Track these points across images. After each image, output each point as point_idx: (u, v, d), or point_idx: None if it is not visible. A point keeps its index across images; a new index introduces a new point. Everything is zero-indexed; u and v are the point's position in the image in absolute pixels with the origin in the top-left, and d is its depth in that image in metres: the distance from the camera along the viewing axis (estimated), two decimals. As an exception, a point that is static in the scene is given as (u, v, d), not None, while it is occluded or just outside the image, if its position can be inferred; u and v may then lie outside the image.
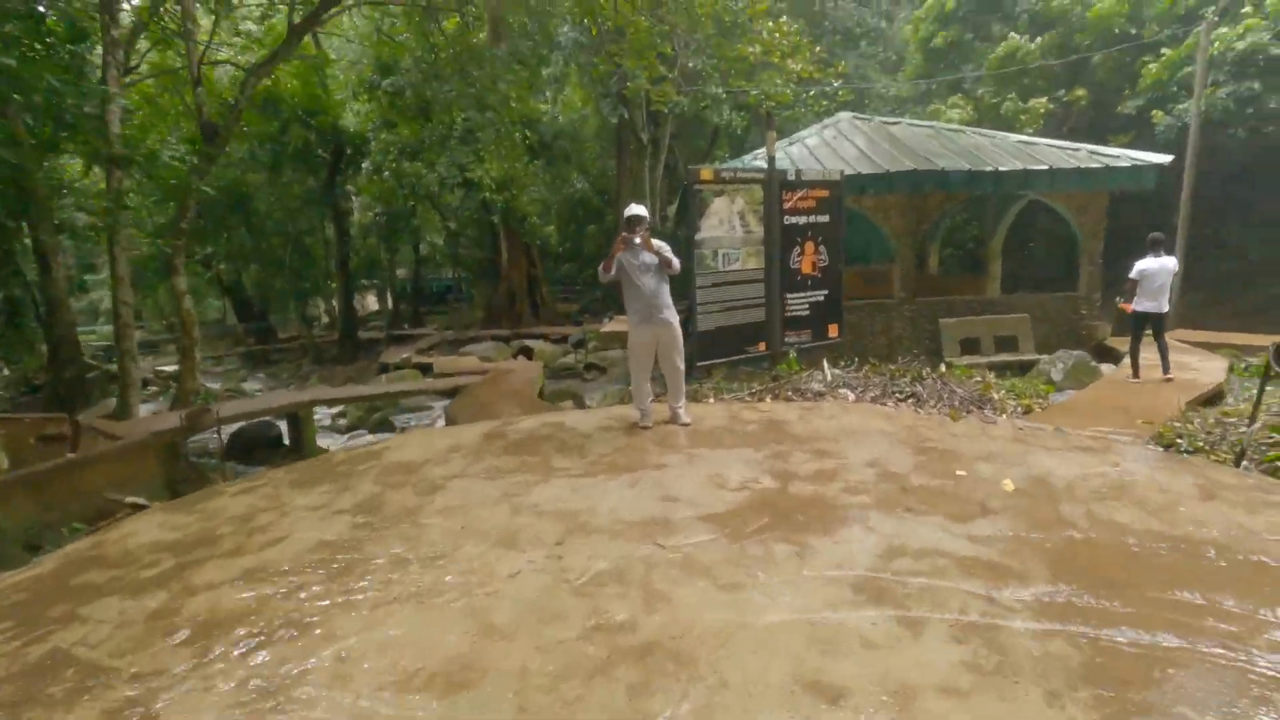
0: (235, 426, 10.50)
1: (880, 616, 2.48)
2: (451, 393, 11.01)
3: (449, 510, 3.73)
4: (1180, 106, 12.89)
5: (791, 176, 7.46)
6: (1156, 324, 8.17)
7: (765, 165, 7.27)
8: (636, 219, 5.07)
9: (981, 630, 2.38)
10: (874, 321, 11.30)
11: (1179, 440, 5.40)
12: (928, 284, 12.80)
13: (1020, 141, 11.66)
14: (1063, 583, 2.68)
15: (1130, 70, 14.45)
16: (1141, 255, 8.09)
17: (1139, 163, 10.35)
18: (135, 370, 11.42)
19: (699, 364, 7.08)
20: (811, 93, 15.58)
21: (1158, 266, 8.03)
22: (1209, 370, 8.76)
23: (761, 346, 7.49)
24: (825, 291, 7.93)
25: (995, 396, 7.11)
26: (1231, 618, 2.42)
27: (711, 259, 7.00)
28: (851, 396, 6.45)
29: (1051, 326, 11.33)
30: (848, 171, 10.21)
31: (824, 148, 11.60)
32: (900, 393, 6.69)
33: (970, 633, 2.36)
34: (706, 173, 6.87)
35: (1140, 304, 8.09)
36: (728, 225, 7.07)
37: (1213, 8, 12.54)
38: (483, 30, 20.85)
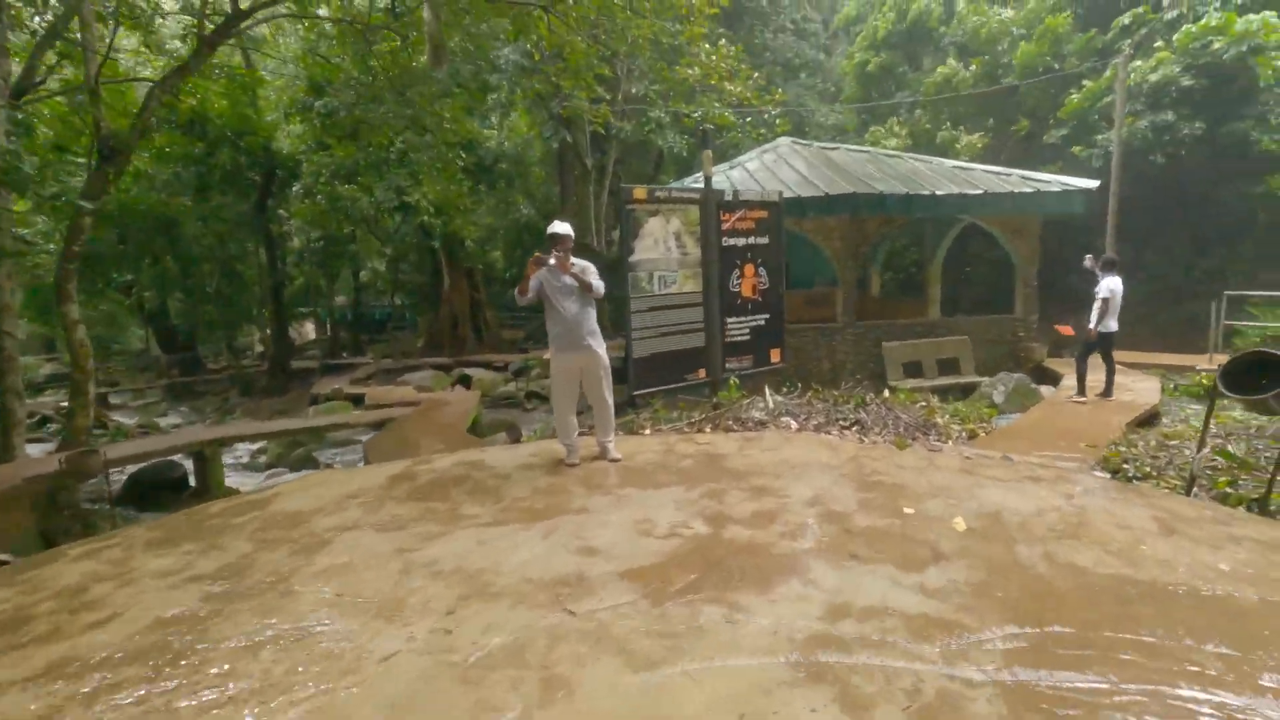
0: (135, 467, 9.56)
1: (821, 701, 2.06)
2: (380, 425, 10.31)
3: (329, 572, 3.18)
4: (1102, 136, 13.36)
5: (729, 197, 7.20)
6: (1110, 344, 8.19)
7: (702, 187, 6.99)
8: (555, 237, 4.67)
9: (939, 714, 1.98)
10: (817, 346, 11.13)
11: (1125, 465, 5.24)
12: (870, 307, 12.79)
13: (956, 167, 11.82)
14: (1027, 644, 2.33)
15: (1058, 100, 15.00)
16: (1088, 277, 8.15)
17: (1068, 187, 10.55)
18: (20, 407, 10.32)
19: (635, 393, 6.67)
20: (749, 119, 15.62)
21: (1120, 287, 8.11)
22: (1143, 391, 8.83)
23: (701, 373, 7.14)
24: (766, 315, 7.67)
25: (940, 422, 6.91)
26: (1227, 672, 2.10)
27: (647, 282, 6.64)
28: (794, 425, 6.13)
29: (991, 348, 11.38)
30: (788, 195, 10.08)
31: (764, 171, 11.51)
32: (844, 420, 6.41)
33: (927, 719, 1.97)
34: (640, 192, 6.53)
35: (1106, 324, 8.07)
36: (663, 247, 6.74)
37: (1128, 41, 13.11)
38: (423, 53, 20.41)
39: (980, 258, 19.67)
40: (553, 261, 4.42)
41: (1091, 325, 7.98)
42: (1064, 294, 14.85)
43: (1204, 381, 9.94)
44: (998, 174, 11.33)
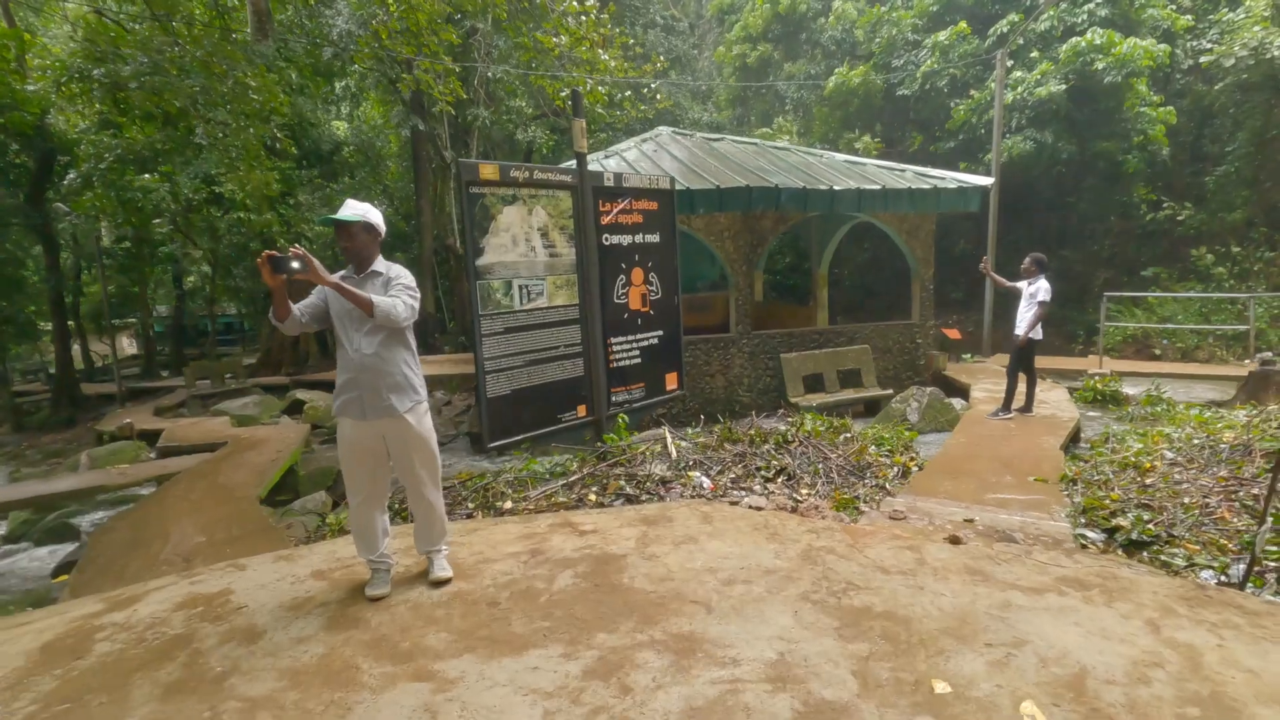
0: None
1: None
2: (160, 479, 7.72)
3: None
4: (987, 155, 13.21)
5: (609, 181, 5.57)
6: (1034, 354, 7.38)
7: (574, 167, 5.31)
8: (340, 227, 2.84)
9: None
10: (710, 359, 9.80)
11: (1117, 520, 4.15)
12: (759, 315, 11.69)
13: (848, 161, 10.95)
14: None
15: (949, 110, 14.81)
16: (1025, 277, 7.32)
17: (965, 185, 9.92)
18: None
19: (490, 445, 4.87)
20: (626, 95, 14.14)
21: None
22: (1058, 403, 8.20)
23: (581, 411, 5.46)
24: (660, 332, 6.12)
25: (870, 458, 5.68)
26: None
27: (503, 293, 4.86)
28: (708, 483, 4.59)
29: (890, 357, 10.59)
30: (677, 187, 8.63)
31: (644, 161, 10.02)
32: (767, 468, 4.97)
33: None
34: (489, 169, 4.75)
35: (1038, 331, 7.22)
36: (525, 245, 4.98)
37: (1001, 51, 13.02)
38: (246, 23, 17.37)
39: (859, 259, 19.50)
40: (295, 265, 2.55)
41: (1022, 332, 7.13)
42: (941, 297, 14.66)
43: (1098, 387, 9.61)
44: (892, 169, 10.56)
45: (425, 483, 3.01)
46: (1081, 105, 13.35)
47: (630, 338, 5.85)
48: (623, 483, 4.61)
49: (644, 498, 4.42)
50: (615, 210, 5.63)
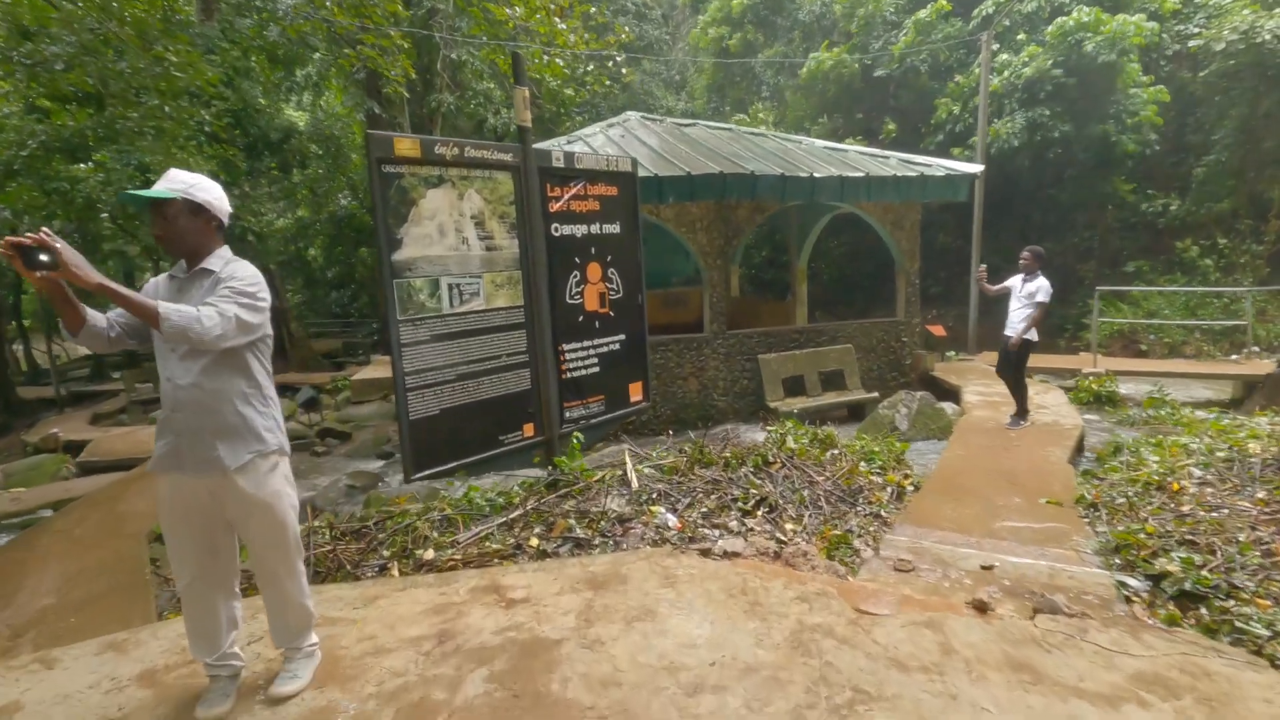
0: None
1: None
2: (60, 504, 6.76)
3: None
4: (974, 140, 12.58)
5: (559, 161, 4.76)
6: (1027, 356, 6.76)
7: (516, 144, 4.49)
8: (153, 204, 2.04)
9: None
10: (683, 361, 9.05)
11: (1161, 562, 3.47)
12: (735, 311, 10.98)
13: (828, 147, 10.24)
14: None
15: (931, 97, 14.16)
16: (1022, 272, 6.71)
17: (953, 173, 9.27)
18: None
19: (414, 477, 4.05)
20: (590, 68, 13.27)
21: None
22: (1055, 406, 7.59)
23: (528, 431, 4.65)
24: (621, 336, 5.33)
25: (862, 478, 4.96)
26: None
27: (427, 294, 4.03)
28: (674, 521, 3.82)
29: (874, 357, 9.93)
30: (643, 175, 7.84)
31: (610, 147, 9.21)
32: (745, 499, 4.22)
33: None
34: (406, 144, 3.91)
35: (1033, 332, 6.61)
36: (455, 237, 4.16)
37: (986, 32, 12.42)
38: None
39: (832, 254, 18.87)
40: (44, 258, 1.73)
41: (1016, 334, 6.50)
42: (921, 291, 14.08)
43: (1093, 387, 9.05)
44: (875, 156, 9.88)
45: (271, 562, 2.20)
46: (1075, 85, 12.78)
47: (586, 344, 5.05)
48: (572, 521, 3.82)
49: (597, 541, 3.64)
50: (567, 196, 4.82)
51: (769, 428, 6.83)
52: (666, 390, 8.95)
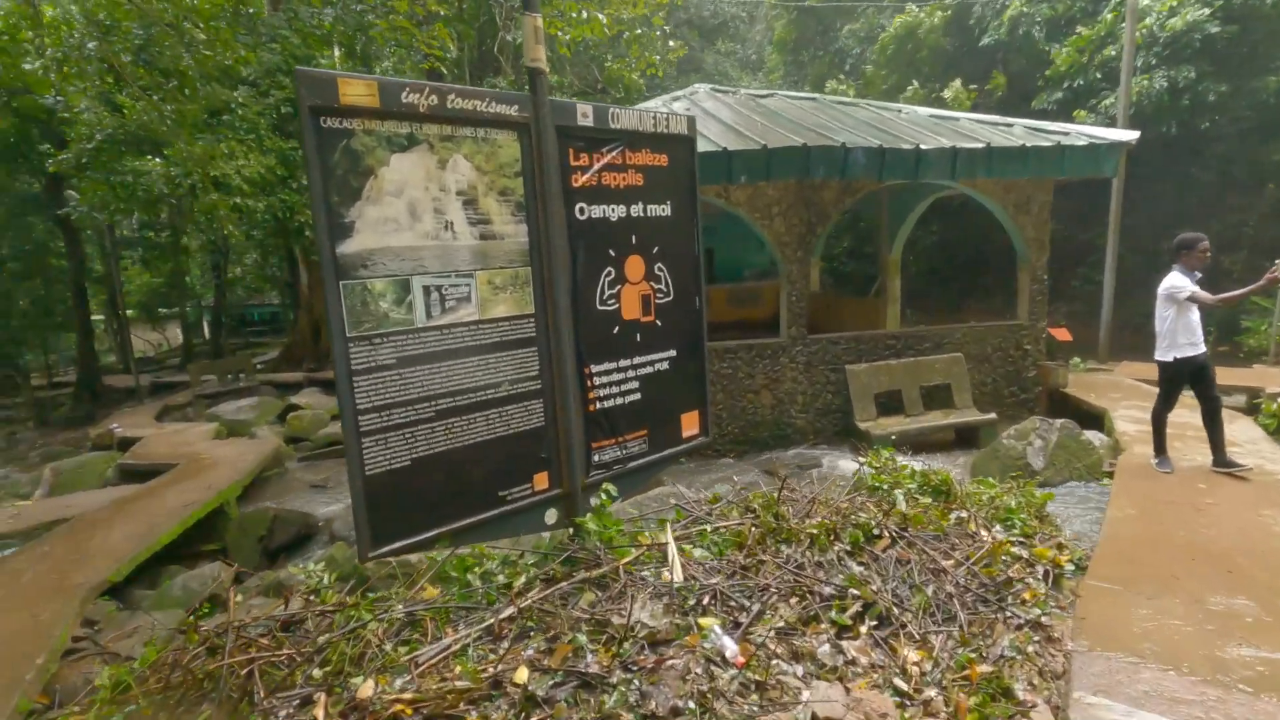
0: None
1: None
2: (53, 525, 6.12)
3: None
4: (1106, 101, 10.50)
5: (585, 118, 3.51)
6: (1201, 376, 5.06)
7: (524, 93, 3.27)
8: None
9: None
10: (754, 371, 7.67)
11: None
12: (812, 311, 9.47)
13: (935, 116, 8.58)
14: None
15: (1047, 57, 12.06)
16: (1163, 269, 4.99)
17: (1098, 141, 7.46)
18: None
19: (371, 555, 2.91)
20: (638, 32, 11.95)
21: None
22: (1249, 442, 5.79)
23: (540, 482, 3.45)
24: (671, 352, 4.05)
25: (1005, 565, 3.51)
26: None
27: (391, 300, 2.88)
28: (732, 649, 2.52)
29: (988, 368, 8.24)
30: (708, 149, 6.53)
31: (673, 119, 7.89)
32: (840, 603, 2.87)
33: None
34: (357, 88, 2.76)
35: (1181, 349, 4.95)
36: (434, 220, 2.99)
37: (1122, -28, 10.37)
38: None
39: (920, 243, 16.84)
40: None
41: (1164, 350, 4.86)
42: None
43: (1282, 411, 7.09)
44: (996, 124, 8.15)
45: None
46: (1230, 39, 10.49)
47: (623, 363, 3.79)
48: (583, 640, 2.59)
49: (615, 679, 2.39)
50: (597, 166, 3.57)
51: (861, 459, 5.41)
52: (733, 405, 7.62)
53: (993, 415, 7.43)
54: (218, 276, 29.81)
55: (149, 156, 15.74)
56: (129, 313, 31.91)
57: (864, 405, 7.55)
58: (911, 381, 7.66)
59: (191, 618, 4.41)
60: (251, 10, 15.07)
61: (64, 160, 15.27)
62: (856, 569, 3.14)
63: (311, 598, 3.58)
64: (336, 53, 16.68)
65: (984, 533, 3.88)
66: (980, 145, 7.16)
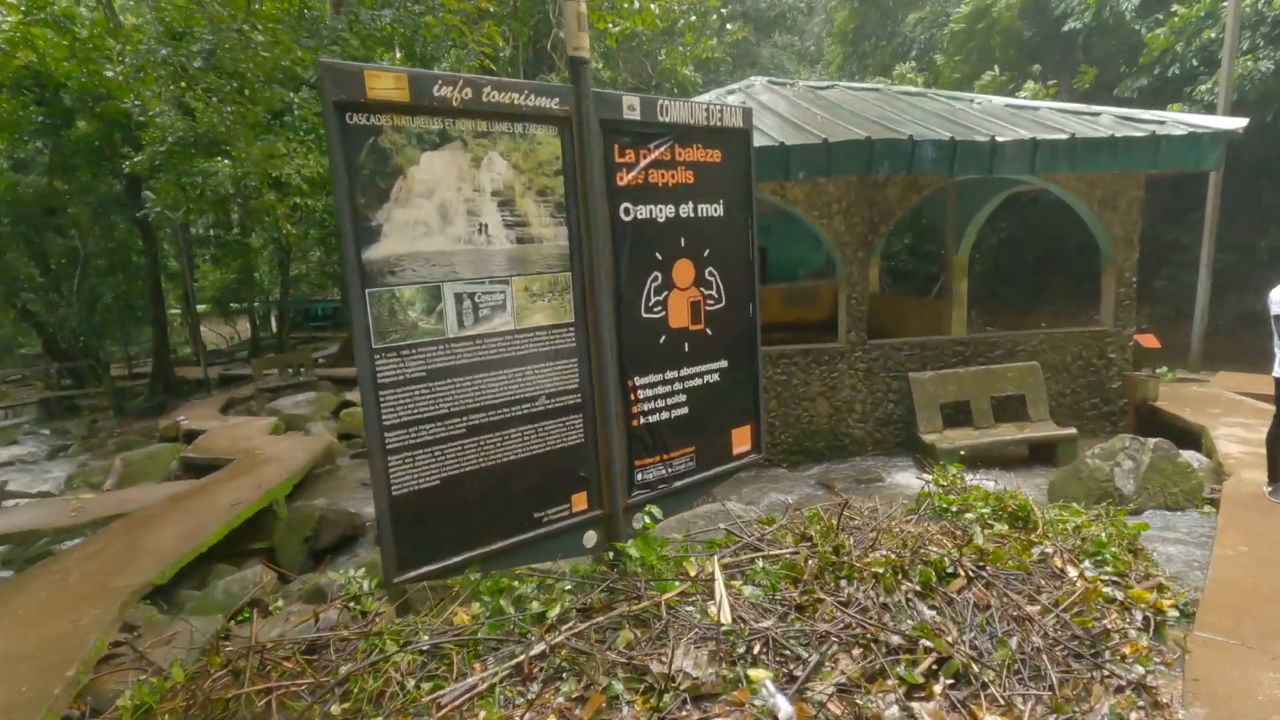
0: None
1: None
2: (113, 519, 6.25)
3: None
4: (1202, 87, 9.59)
5: (632, 111, 3.25)
6: None
7: (566, 84, 3.04)
8: None
9: None
10: (810, 378, 7.29)
11: None
12: (871, 313, 8.99)
13: (1011, 106, 7.99)
14: None
15: (1134, 41, 11.17)
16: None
17: (1199, 130, 6.77)
18: None
19: (398, 579, 2.73)
20: (691, 18, 11.59)
21: None
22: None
23: (578, 503, 3.22)
24: (722, 363, 3.76)
25: (1099, 611, 3.09)
26: None
27: (421, 309, 2.69)
28: (786, 710, 2.23)
29: (1067, 379, 7.63)
30: (764, 144, 6.20)
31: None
32: (909, 655, 2.54)
33: None
34: (384, 80, 2.57)
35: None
36: (466, 223, 2.79)
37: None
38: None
39: (985, 243, 15.94)
40: None
41: None
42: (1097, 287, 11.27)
43: None
44: (1080, 114, 7.53)
45: None
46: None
47: (670, 375, 3.52)
48: (618, 688, 2.34)
49: (653, 736, 2.13)
50: (645, 162, 3.31)
51: (926, 475, 5.01)
52: (788, 413, 7.26)
53: (1072, 430, 6.84)
54: (283, 273, 30.87)
55: (218, 158, 16.30)
56: (202, 307, 33.42)
57: (929, 416, 7.07)
58: (981, 391, 7.14)
59: (228, 621, 4.36)
60: (315, 13, 15.41)
61: (139, 162, 15.94)
62: (928, 614, 2.79)
63: (351, 604, 3.48)
64: (398, 54, 16.90)
65: (1071, 570, 3.47)
66: (1063, 136, 6.58)
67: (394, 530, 2.70)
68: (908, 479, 6.67)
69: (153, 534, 5.35)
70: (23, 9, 18.43)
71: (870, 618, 2.75)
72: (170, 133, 15.32)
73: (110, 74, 17.62)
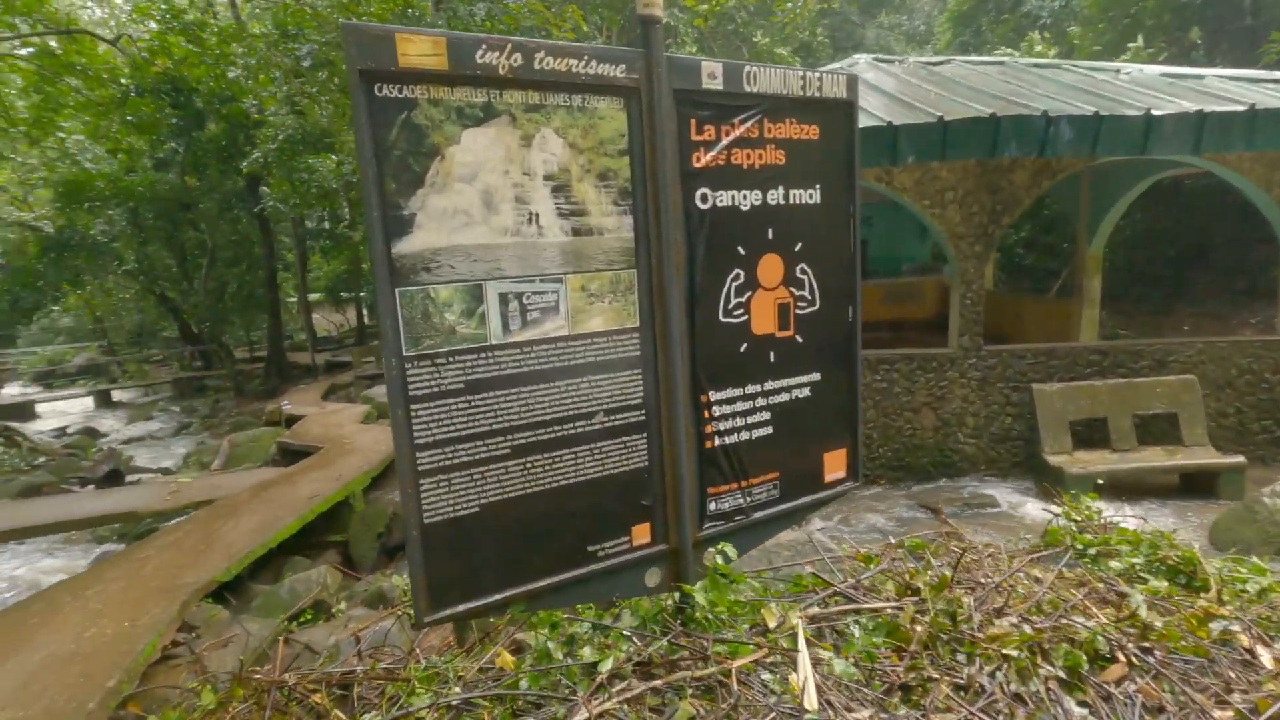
0: None
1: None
2: (202, 505, 6.43)
3: None
4: None
5: (713, 79, 2.77)
6: None
7: (637, 47, 2.60)
8: None
9: None
10: (913, 386, 6.54)
11: None
12: (987, 315, 8.03)
13: (1169, 75, 6.85)
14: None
15: None
16: None
17: None
18: None
19: (432, 618, 2.40)
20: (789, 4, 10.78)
21: None
22: None
23: (639, 535, 2.80)
24: (814, 375, 3.22)
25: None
26: None
27: (459, 311, 2.34)
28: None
29: (1230, 396, 6.48)
30: (869, 124, 5.53)
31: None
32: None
33: None
34: (422, 46, 2.23)
35: None
36: (514, 212, 2.41)
37: None
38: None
39: (1119, 234, 14.17)
40: None
41: None
42: (1225, 285, 9.65)
43: None
44: (1259, 81, 6.32)
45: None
46: None
47: (751, 389, 3.03)
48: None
49: None
50: (727, 140, 2.82)
51: (1055, 506, 4.27)
52: (887, 424, 6.55)
53: (1239, 458, 5.75)
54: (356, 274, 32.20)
55: (325, 154, 17.04)
56: (315, 296, 35.50)
57: (1055, 434, 6.16)
58: (1122, 408, 6.14)
59: (287, 622, 4.22)
60: (418, 12, 15.77)
61: (255, 160, 16.87)
62: (1078, 713, 2.17)
63: (405, 615, 3.21)
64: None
65: (1263, 653, 2.71)
66: (1239, 108, 5.49)
67: (426, 563, 2.37)
68: (1028, 506, 5.85)
69: (230, 525, 5.39)
70: (161, 20, 19.88)
71: (999, 711, 2.16)
72: (281, 130, 16.09)
73: (233, 75, 18.74)
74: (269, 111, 18.53)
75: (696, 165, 2.75)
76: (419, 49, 2.18)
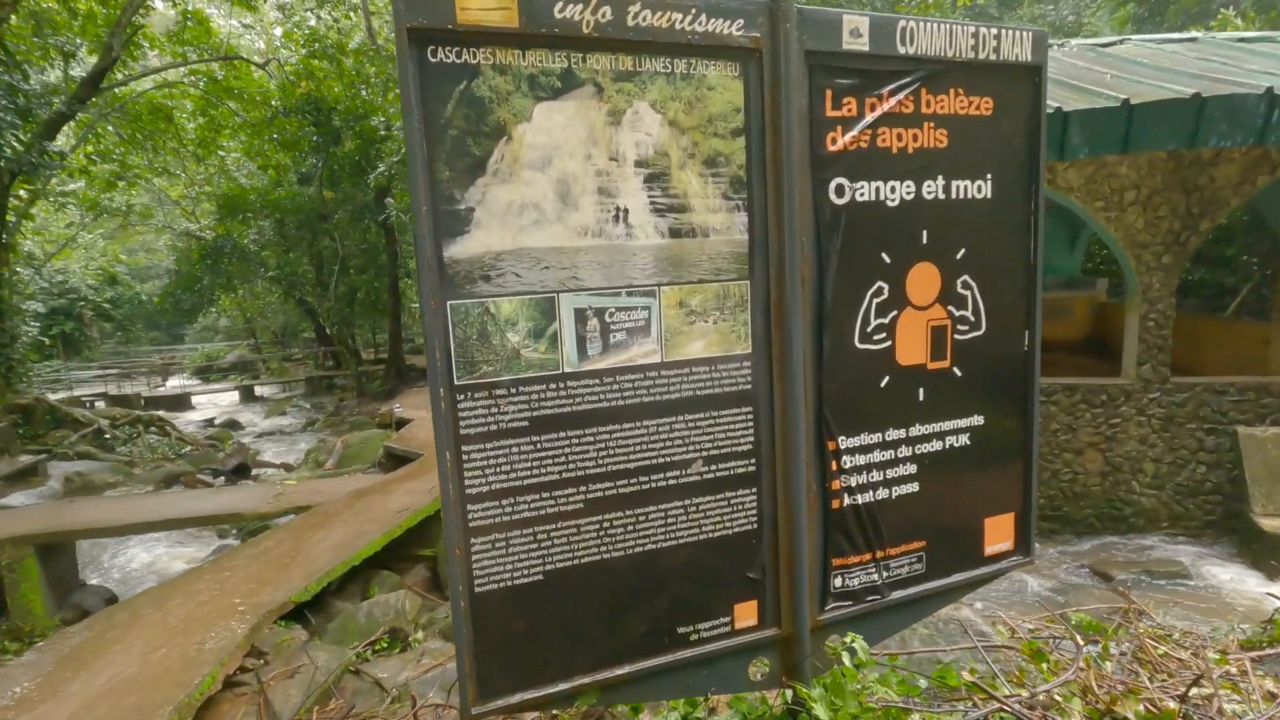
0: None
1: None
2: (303, 509, 6.47)
3: None
4: None
5: (857, 38, 2.16)
6: None
7: (759, 1, 2.05)
8: None
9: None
10: (1075, 423, 5.49)
11: None
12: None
13: None
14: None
15: None
16: None
17: None
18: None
19: (477, 708, 1.94)
20: None
21: None
22: None
23: (744, 617, 2.21)
24: (977, 418, 2.51)
25: None
26: None
27: (526, 332, 1.87)
28: None
29: None
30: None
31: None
32: None
33: None
34: (485, 0, 1.80)
35: None
36: (596, 207, 1.92)
37: None
38: None
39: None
40: None
41: None
42: None
43: None
44: None
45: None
46: None
47: (893, 434, 2.37)
48: None
49: None
50: (872, 116, 2.19)
51: (1274, 587, 3.26)
52: (1042, 467, 5.53)
53: None
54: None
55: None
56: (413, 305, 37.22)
57: (1268, 490, 4.92)
58: (1366, 463, 4.82)
59: (361, 651, 3.97)
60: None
61: (380, 174, 17.71)
62: None
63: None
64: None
65: None
66: None
67: (475, 641, 1.91)
68: (1234, 580, 4.69)
69: (319, 536, 5.29)
70: (305, 43, 21.40)
71: None
72: (403, 145, 16.79)
73: (365, 93, 19.82)
74: (395, 127, 19.47)
75: (831, 149, 2.14)
76: (483, 2, 1.73)
